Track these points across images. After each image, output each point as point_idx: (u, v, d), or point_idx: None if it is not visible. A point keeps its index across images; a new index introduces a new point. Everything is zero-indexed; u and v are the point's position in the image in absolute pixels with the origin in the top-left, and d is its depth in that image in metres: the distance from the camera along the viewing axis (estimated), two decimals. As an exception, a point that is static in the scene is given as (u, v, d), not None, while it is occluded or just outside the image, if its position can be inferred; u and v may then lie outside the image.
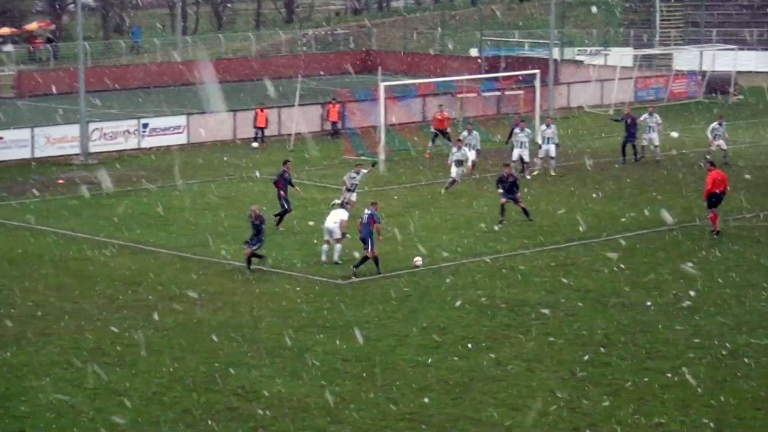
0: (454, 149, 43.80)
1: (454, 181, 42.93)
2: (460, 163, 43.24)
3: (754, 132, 57.71)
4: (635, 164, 48.08)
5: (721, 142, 48.35)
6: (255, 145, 54.57)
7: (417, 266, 32.70)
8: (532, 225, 37.63)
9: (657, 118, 48.91)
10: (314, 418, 22.42)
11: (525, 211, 38.03)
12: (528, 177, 45.12)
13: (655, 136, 48.62)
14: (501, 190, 37.85)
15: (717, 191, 35.97)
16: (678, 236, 36.14)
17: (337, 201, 37.08)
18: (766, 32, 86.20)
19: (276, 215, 37.63)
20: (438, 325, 27.73)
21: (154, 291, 30.98)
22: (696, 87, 72.22)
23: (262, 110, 55.87)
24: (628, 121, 48.74)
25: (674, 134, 53.03)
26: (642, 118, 49.15)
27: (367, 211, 32.26)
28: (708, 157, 45.54)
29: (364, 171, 39.39)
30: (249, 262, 32.74)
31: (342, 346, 26.41)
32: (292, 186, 38.18)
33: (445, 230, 37.33)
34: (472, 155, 44.63)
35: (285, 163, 39.12)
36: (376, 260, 32.03)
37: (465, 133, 46.04)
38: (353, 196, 38.30)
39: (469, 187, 43.31)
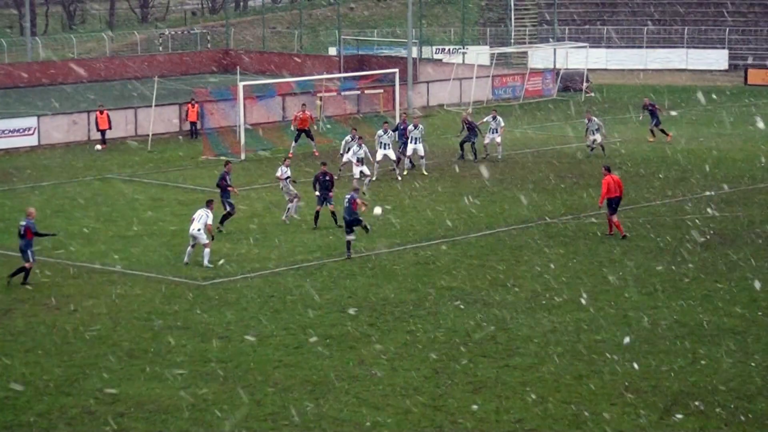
0: (355, 147, 43.12)
1: (367, 177, 42.17)
2: (362, 161, 42.67)
3: (605, 129, 58.75)
4: (475, 162, 48.58)
5: (597, 136, 49.83)
6: (98, 147, 53.41)
7: (377, 215, 33.32)
8: (394, 224, 37.73)
9: (500, 121, 49.77)
10: (175, 421, 22.12)
11: (333, 215, 37.06)
12: (399, 178, 45.28)
13: (496, 136, 49.46)
14: (317, 193, 37.00)
15: (613, 196, 35.46)
16: (537, 234, 36.60)
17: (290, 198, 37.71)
18: (614, 30, 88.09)
19: (223, 217, 36.78)
20: (300, 325, 27.61)
21: (5, 293, 30.24)
22: (551, 85, 73.38)
23: (101, 112, 54.73)
24: (466, 126, 49.69)
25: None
26: (485, 120, 50.30)
27: (347, 195, 33.55)
28: (591, 150, 49.16)
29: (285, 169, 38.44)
30: (25, 274, 30.96)
31: (203, 348, 26.12)
32: (230, 187, 37.10)
33: (307, 229, 37.21)
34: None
35: (226, 164, 38.08)
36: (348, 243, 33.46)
37: (348, 137, 45.22)
38: (292, 190, 38.00)
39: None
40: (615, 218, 35.83)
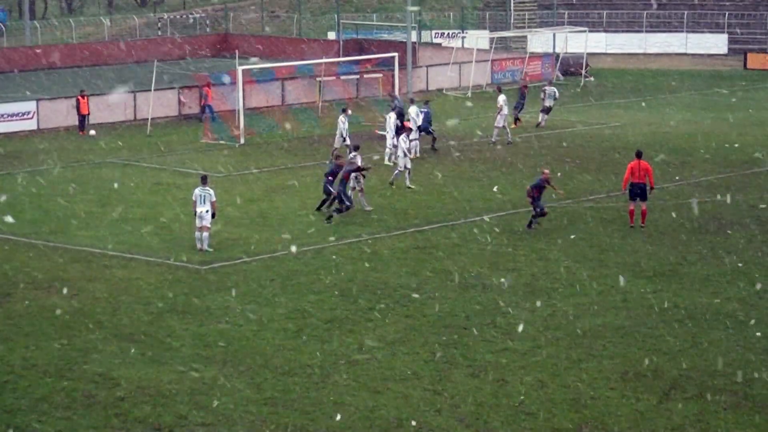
0: (342, 117, 44.50)
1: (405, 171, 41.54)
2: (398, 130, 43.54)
3: (605, 113, 58.85)
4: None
5: (550, 102, 52.89)
6: (92, 133, 53.11)
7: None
8: (394, 207, 37.76)
9: (500, 99, 49.55)
10: (175, 404, 22.15)
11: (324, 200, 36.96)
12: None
13: (499, 118, 49.40)
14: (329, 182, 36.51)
15: (635, 182, 34.41)
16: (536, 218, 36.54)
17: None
18: (614, 14, 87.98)
19: (334, 208, 36.25)
20: (300, 309, 27.64)
21: (5, 278, 30.26)
22: (550, 69, 73.28)
23: (83, 97, 54.43)
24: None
25: (453, 121, 54.03)
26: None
27: (538, 179, 35.24)
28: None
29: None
30: None
31: (203, 331, 26.15)
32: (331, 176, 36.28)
33: (307, 214, 37.21)
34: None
35: (338, 158, 37.59)
36: (543, 214, 35.18)
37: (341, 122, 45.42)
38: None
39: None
40: (643, 205, 34.77)
